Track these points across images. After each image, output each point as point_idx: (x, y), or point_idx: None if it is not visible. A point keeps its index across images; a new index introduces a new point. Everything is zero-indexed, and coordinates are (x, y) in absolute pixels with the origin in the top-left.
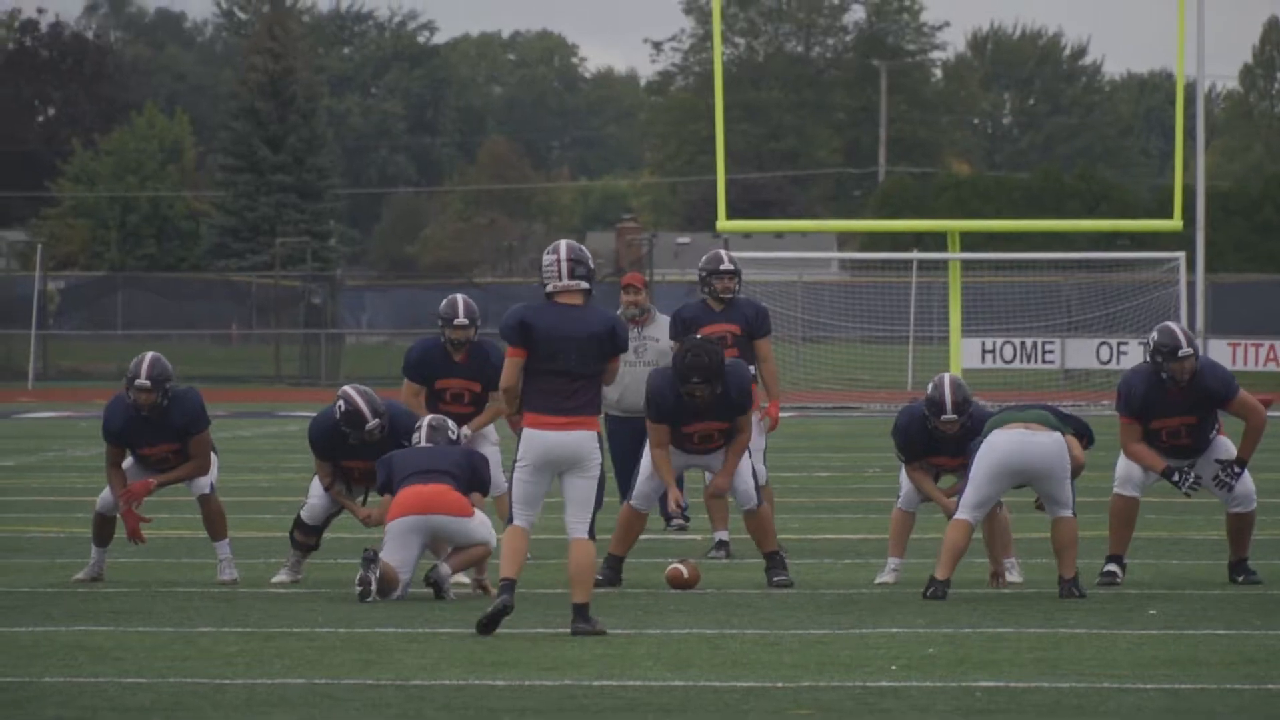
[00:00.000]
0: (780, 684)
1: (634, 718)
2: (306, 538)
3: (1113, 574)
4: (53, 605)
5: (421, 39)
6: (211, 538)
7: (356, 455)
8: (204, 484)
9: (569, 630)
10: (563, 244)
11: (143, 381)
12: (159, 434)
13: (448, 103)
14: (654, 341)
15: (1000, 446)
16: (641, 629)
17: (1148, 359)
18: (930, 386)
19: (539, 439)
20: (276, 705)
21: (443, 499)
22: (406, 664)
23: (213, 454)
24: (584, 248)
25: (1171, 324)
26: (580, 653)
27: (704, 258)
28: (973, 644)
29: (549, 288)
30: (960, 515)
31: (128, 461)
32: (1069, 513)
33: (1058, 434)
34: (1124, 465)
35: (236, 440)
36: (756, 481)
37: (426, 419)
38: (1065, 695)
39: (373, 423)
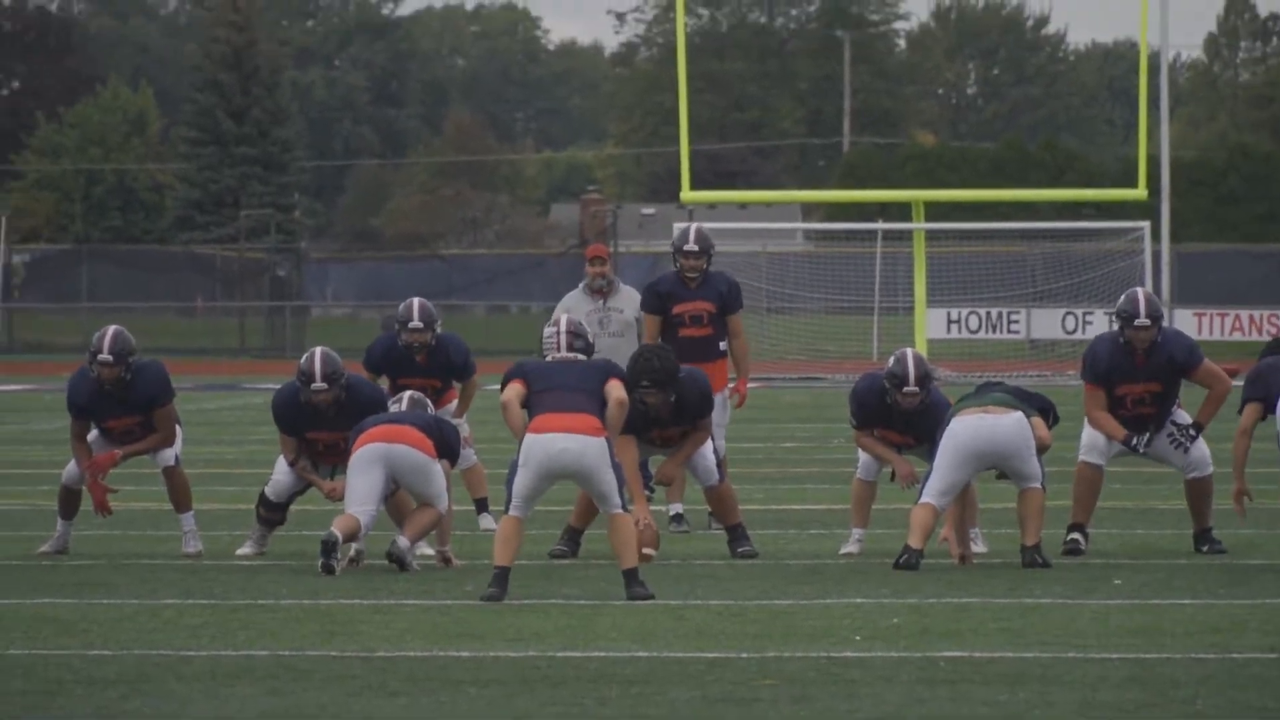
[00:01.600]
0: (745, 654)
1: (598, 689)
2: (271, 513)
3: (1076, 542)
4: (17, 578)
5: (385, 11)
6: (176, 510)
7: (320, 427)
8: (169, 456)
9: (626, 597)
10: (563, 319)
11: (105, 356)
12: (123, 407)
13: (412, 75)
14: (618, 313)
15: (961, 433)
16: (606, 600)
17: (1115, 325)
18: (893, 360)
19: (539, 444)
20: (241, 677)
21: (407, 434)
22: (371, 635)
23: (177, 426)
24: (583, 323)
25: (1138, 291)
26: (544, 624)
27: (675, 233)
28: (937, 614)
29: (548, 358)
30: (926, 500)
31: (93, 434)
32: (1037, 485)
33: (1018, 413)
34: (1089, 433)
35: (201, 413)
36: (717, 456)
37: (408, 393)
38: (1030, 665)
39: (319, 385)
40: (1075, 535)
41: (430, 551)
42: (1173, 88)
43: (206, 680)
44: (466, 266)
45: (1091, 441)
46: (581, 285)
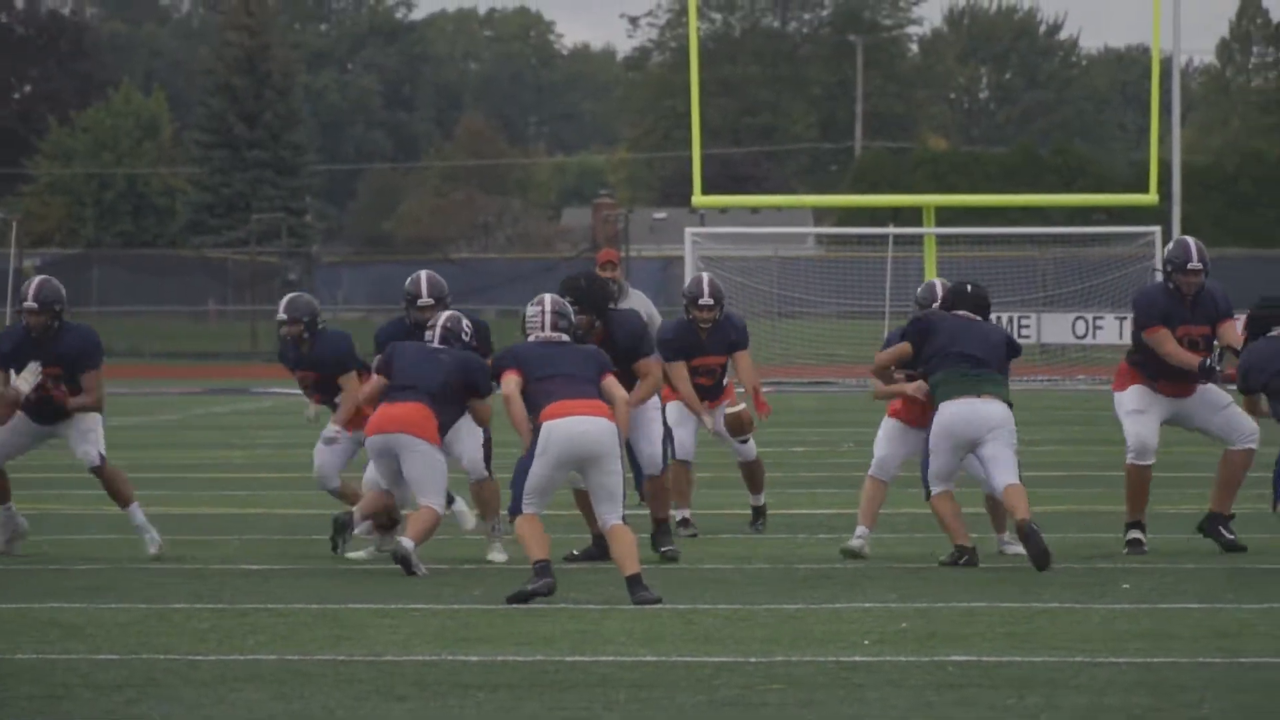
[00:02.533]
0: (753, 659)
1: (606, 693)
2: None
3: (1138, 541)
4: (25, 582)
5: (399, 15)
6: (120, 506)
7: (300, 366)
8: (92, 455)
9: (632, 602)
10: (548, 297)
11: (30, 304)
12: (47, 358)
13: (424, 79)
14: None
15: (948, 419)
16: (614, 605)
17: (1160, 276)
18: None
19: (560, 428)
20: (249, 681)
21: (408, 417)
22: (378, 639)
23: (100, 421)
24: (566, 302)
25: (1188, 239)
26: (553, 629)
27: (688, 282)
28: (945, 619)
29: (531, 337)
30: (935, 490)
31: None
32: (1016, 480)
33: (1005, 405)
34: (1137, 435)
35: (211, 416)
36: (668, 448)
37: (443, 316)
38: (1038, 669)
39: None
40: (1136, 534)
41: (501, 558)
42: (1185, 93)
43: (214, 685)
44: (478, 270)
45: (1141, 445)
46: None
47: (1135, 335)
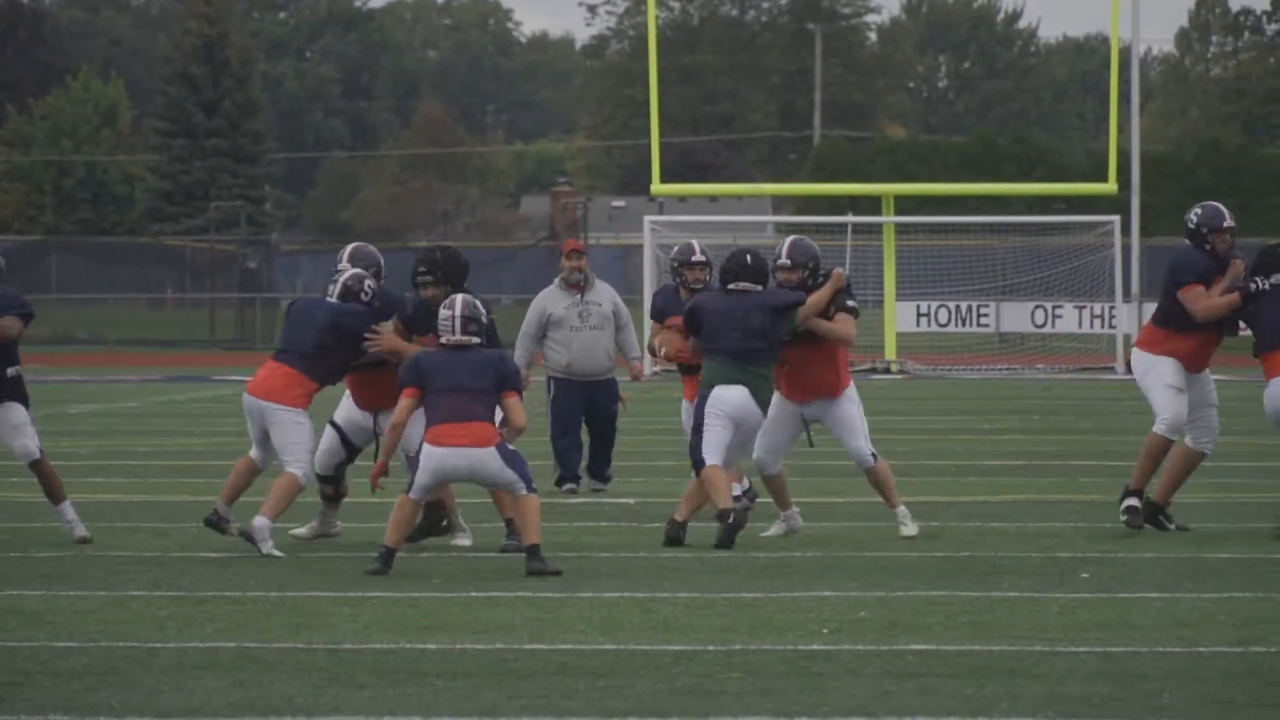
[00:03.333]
0: (711, 647)
1: (565, 681)
2: (324, 486)
3: (1136, 509)
4: None
5: (357, 3)
6: (53, 502)
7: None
8: (32, 449)
9: (525, 572)
10: (459, 300)
11: None
12: None
13: (383, 67)
14: (596, 306)
15: (709, 401)
16: (573, 592)
17: (1189, 239)
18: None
19: (434, 456)
20: (208, 669)
21: (270, 384)
22: (338, 628)
23: (30, 418)
24: (479, 304)
25: (1216, 204)
26: (511, 616)
27: (676, 248)
28: (904, 607)
29: (443, 339)
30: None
31: None
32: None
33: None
34: (1176, 412)
35: (171, 404)
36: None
37: (347, 273)
38: (997, 658)
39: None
40: (1134, 502)
41: (302, 531)
42: (1144, 82)
43: (173, 672)
44: None
45: (1178, 420)
46: (557, 280)
47: (1167, 298)
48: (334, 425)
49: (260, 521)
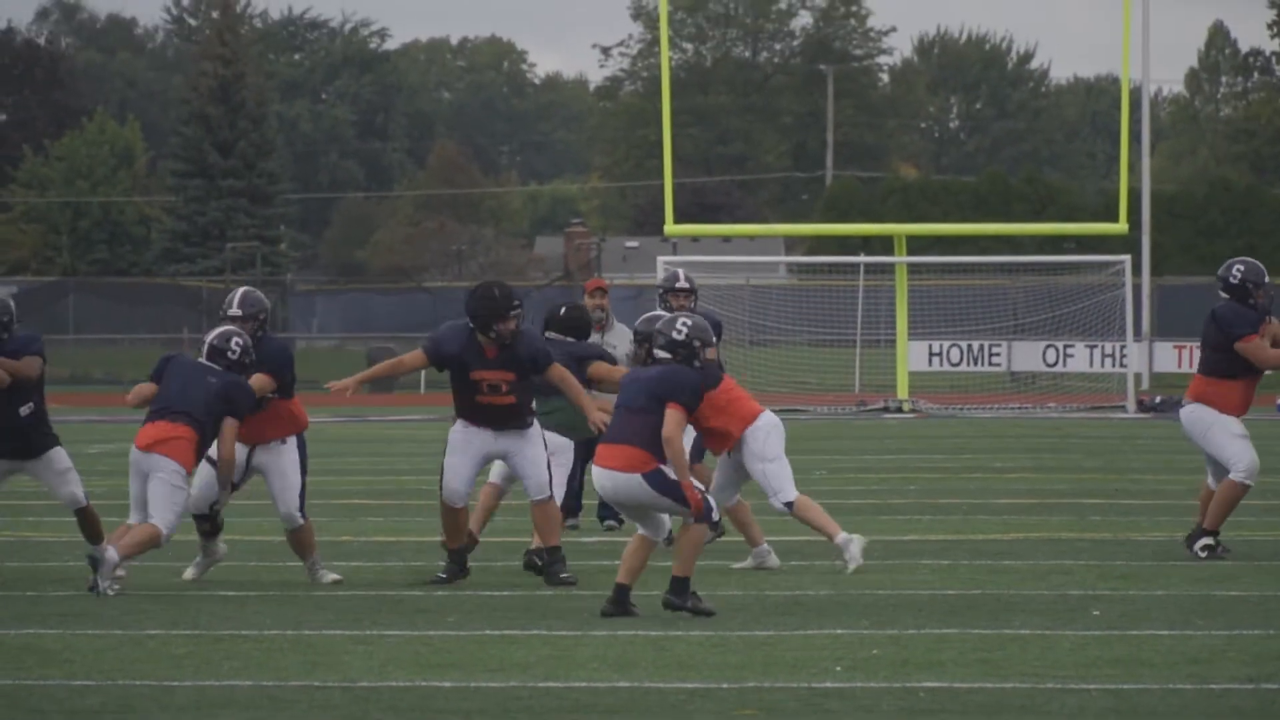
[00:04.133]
0: (725, 685)
1: (579, 719)
2: (200, 525)
3: (1211, 547)
4: (1, 608)
5: (373, 45)
6: (92, 544)
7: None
8: (79, 496)
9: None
10: (213, 334)
11: None
12: None
13: (397, 108)
14: (612, 349)
15: None
16: (587, 630)
17: (1231, 293)
18: (1237, 268)
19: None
20: (224, 707)
21: (160, 437)
22: (353, 666)
23: (72, 465)
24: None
25: (1253, 260)
26: (526, 654)
27: (663, 275)
28: (917, 645)
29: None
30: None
31: None
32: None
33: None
34: (1252, 460)
35: None
36: (550, 475)
37: (213, 333)
38: (1008, 695)
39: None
40: (1208, 540)
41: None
42: (1154, 122)
43: (190, 711)
44: (451, 299)
45: (1252, 467)
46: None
47: (1217, 351)
48: (210, 461)
49: (112, 551)
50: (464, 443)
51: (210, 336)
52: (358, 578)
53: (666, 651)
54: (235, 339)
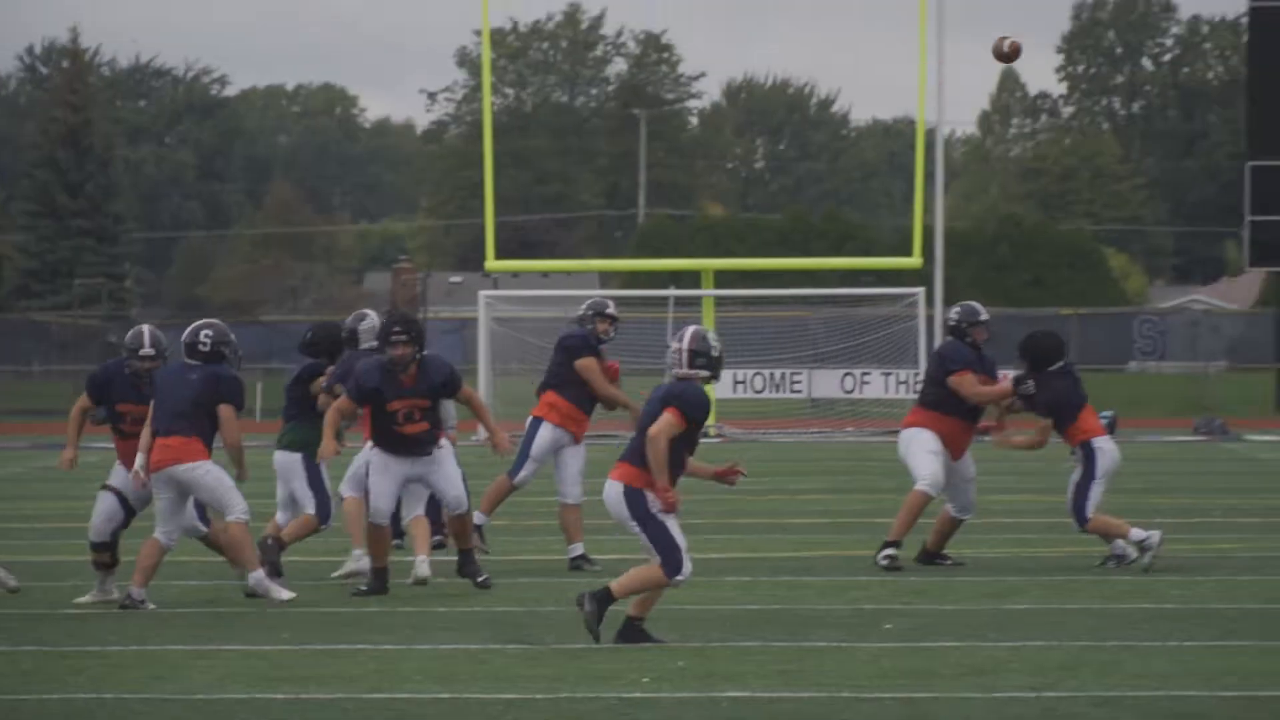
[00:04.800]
0: (540, 696)
1: None
2: (99, 555)
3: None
4: None
5: (213, 92)
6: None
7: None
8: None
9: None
10: (689, 333)
11: None
12: None
13: (236, 151)
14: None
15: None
16: (411, 644)
17: (951, 333)
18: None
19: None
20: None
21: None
22: (194, 680)
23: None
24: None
25: (970, 302)
26: (354, 668)
27: (593, 299)
28: (721, 657)
29: (675, 373)
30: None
31: None
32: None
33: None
34: (931, 469)
35: (40, 470)
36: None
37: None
38: (807, 704)
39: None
40: (892, 551)
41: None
42: (948, 162)
43: None
44: (286, 332)
45: (934, 479)
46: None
47: (932, 384)
48: (110, 490)
49: (257, 576)
50: (384, 466)
51: (183, 336)
52: (197, 596)
53: (485, 665)
54: (204, 331)
